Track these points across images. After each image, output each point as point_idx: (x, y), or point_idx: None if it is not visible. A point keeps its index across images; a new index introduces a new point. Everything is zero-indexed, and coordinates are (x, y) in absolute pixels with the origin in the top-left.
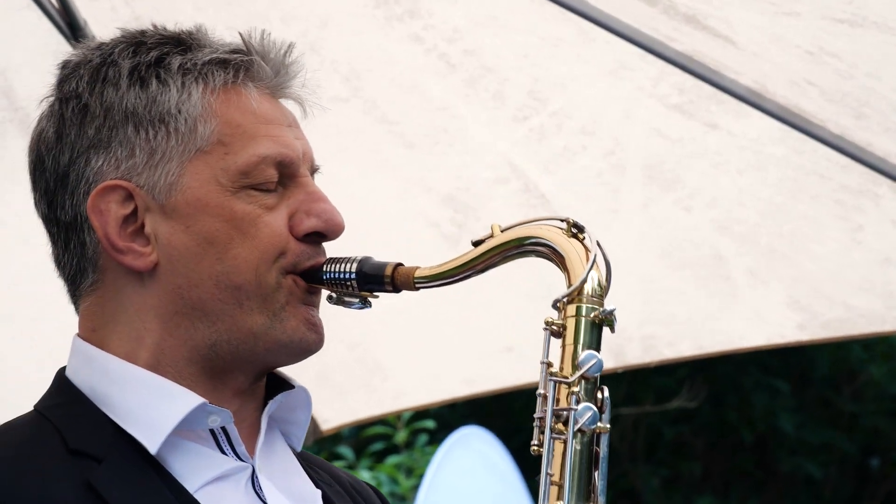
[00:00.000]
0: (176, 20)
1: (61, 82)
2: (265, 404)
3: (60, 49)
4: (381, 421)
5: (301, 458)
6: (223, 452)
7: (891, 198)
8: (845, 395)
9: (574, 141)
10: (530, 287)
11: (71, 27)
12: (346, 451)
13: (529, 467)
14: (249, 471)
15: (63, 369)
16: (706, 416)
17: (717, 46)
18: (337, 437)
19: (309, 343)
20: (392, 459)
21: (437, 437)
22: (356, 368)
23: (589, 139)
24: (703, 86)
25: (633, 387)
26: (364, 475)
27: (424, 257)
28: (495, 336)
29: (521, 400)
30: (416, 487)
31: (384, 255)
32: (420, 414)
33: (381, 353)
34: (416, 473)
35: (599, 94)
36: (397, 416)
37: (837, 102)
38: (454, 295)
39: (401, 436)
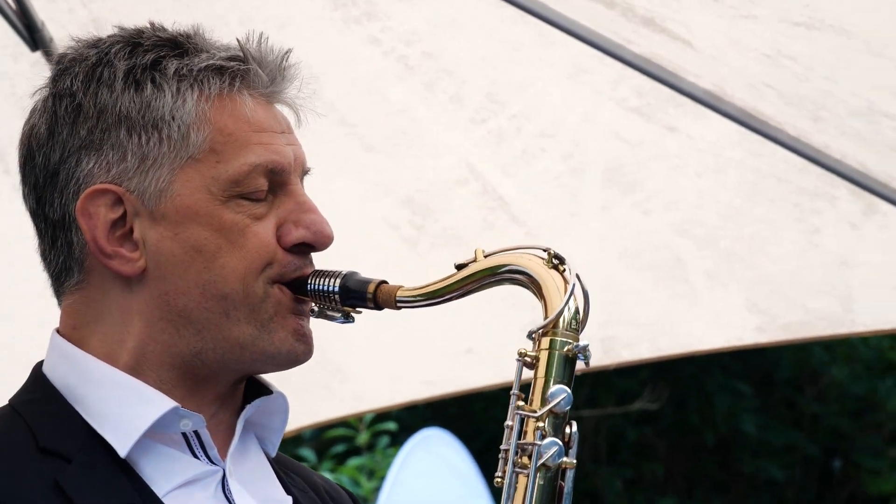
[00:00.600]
0: (134, 22)
1: (56, 78)
2: (243, 408)
3: (18, 51)
4: (343, 423)
5: (277, 462)
6: (195, 456)
7: (848, 200)
8: (807, 396)
9: (533, 143)
10: (490, 289)
11: (28, 28)
12: (307, 452)
13: (490, 469)
14: (220, 474)
15: (40, 364)
16: (668, 418)
17: (676, 49)
18: (298, 438)
19: (298, 354)
20: (354, 461)
21: (398, 440)
22: (316, 370)
23: (548, 142)
24: (662, 88)
25: (595, 388)
26: (325, 477)
27: (384, 259)
28: (455, 338)
29: (482, 402)
30: (377, 489)
31: (343, 257)
32: (382, 416)
33: (341, 354)
34: (377, 475)
35: (558, 97)
36: (359, 418)
37: (795, 105)
38: None
39: (362, 438)
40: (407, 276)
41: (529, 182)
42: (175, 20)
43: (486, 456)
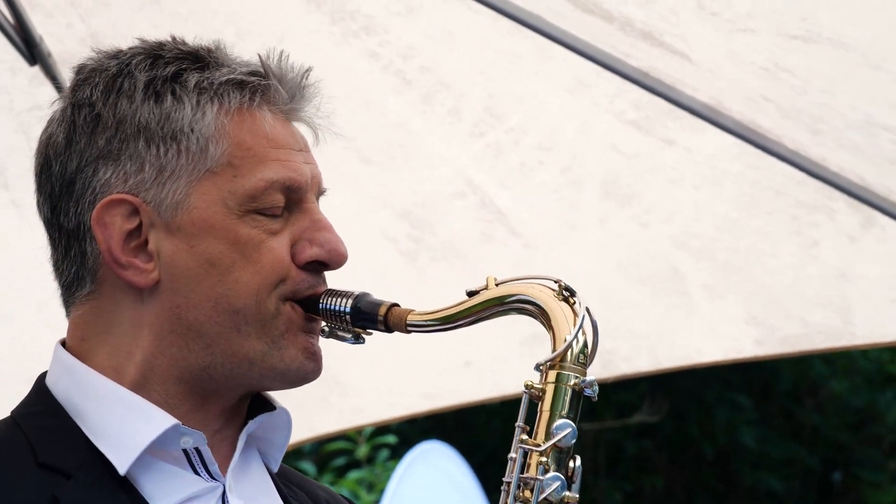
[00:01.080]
0: (132, 36)
1: (75, 87)
2: (246, 423)
3: (17, 66)
4: (343, 436)
5: (281, 476)
6: (196, 472)
7: (846, 213)
8: (807, 409)
9: (531, 156)
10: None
11: (26, 43)
12: (307, 466)
13: (490, 482)
14: (220, 490)
15: (44, 375)
16: (668, 431)
17: (674, 63)
18: (299, 452)
19: (307, 372)
20: (353, 474)
21: (398, 453)
22: (315, 384)
23: (546, 154)
24: (660, 102)
25: (594, 401)
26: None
27: (382, 272)
28: (454, 351)
29: (482, 415)
30: (377, 502)
31: (341, 270)
32: (381, 429)
33: (340, 368)
34: (377, 489)
35: (556, 110)
36: (358, 431)
37: (793, 118)
38: None
39: (362, 451)
40: (405, 288)
41: (527, 195)
42: (172, 33)
43: (485, 469)
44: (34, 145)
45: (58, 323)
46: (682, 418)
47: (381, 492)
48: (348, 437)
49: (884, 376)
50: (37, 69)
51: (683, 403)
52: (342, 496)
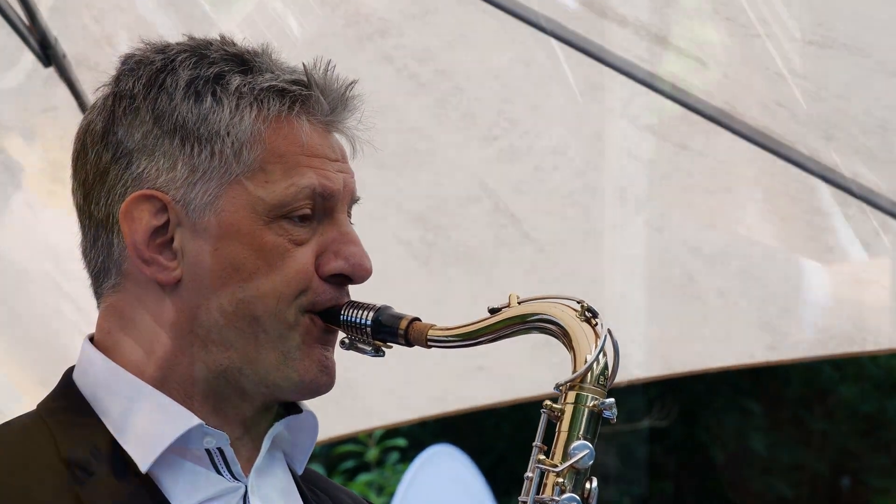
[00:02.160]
0: (146, 38)
1: (119, 78)
2: (272, 424)
3: (31, 67)
4: (353, 439)
5: (307, 480)
6: (218, 472)
7: (860, 219)
8: (816, 415)
9: (545, 161)
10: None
11: (41, 44)
12: (317, 468)
13: (499, 486)
14: (242, 491)
15: (71, 369)
16: (677, 436)
17: (688, 67)
18: None
19: (319, 385)
20: (363, 477)
21: (408, 455)
22: None
23: (560, 159)
24: (674, 107)
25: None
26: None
27: (395, 276)
28: (465, 354)
29: (493, 419)
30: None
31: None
32: (391, 432)
33: (350, 370)
34: (386, 491)
35: (570, 115)
36: (368, 433)
37: (807, 124)
38: (423, 313)
39: (372, 453)
40: (418, 292)
41: (541, 199)
42: (185, 34)
43: (495, 473)
44: (48, 146)
45: (68, 329)
46: (692, 423)
47: (391, 495)
48: (358, 440)
49: (893, 382)
50: (51, 70)
51: (693, 408)
52: (367, 500)
